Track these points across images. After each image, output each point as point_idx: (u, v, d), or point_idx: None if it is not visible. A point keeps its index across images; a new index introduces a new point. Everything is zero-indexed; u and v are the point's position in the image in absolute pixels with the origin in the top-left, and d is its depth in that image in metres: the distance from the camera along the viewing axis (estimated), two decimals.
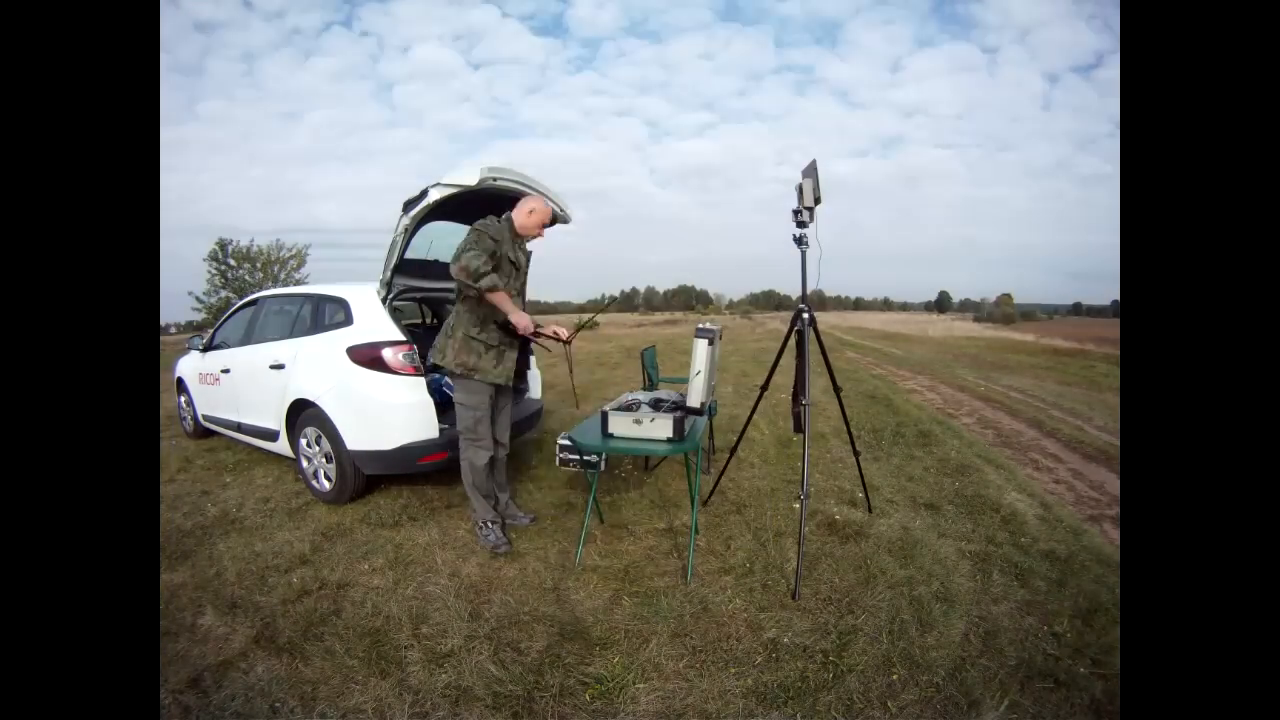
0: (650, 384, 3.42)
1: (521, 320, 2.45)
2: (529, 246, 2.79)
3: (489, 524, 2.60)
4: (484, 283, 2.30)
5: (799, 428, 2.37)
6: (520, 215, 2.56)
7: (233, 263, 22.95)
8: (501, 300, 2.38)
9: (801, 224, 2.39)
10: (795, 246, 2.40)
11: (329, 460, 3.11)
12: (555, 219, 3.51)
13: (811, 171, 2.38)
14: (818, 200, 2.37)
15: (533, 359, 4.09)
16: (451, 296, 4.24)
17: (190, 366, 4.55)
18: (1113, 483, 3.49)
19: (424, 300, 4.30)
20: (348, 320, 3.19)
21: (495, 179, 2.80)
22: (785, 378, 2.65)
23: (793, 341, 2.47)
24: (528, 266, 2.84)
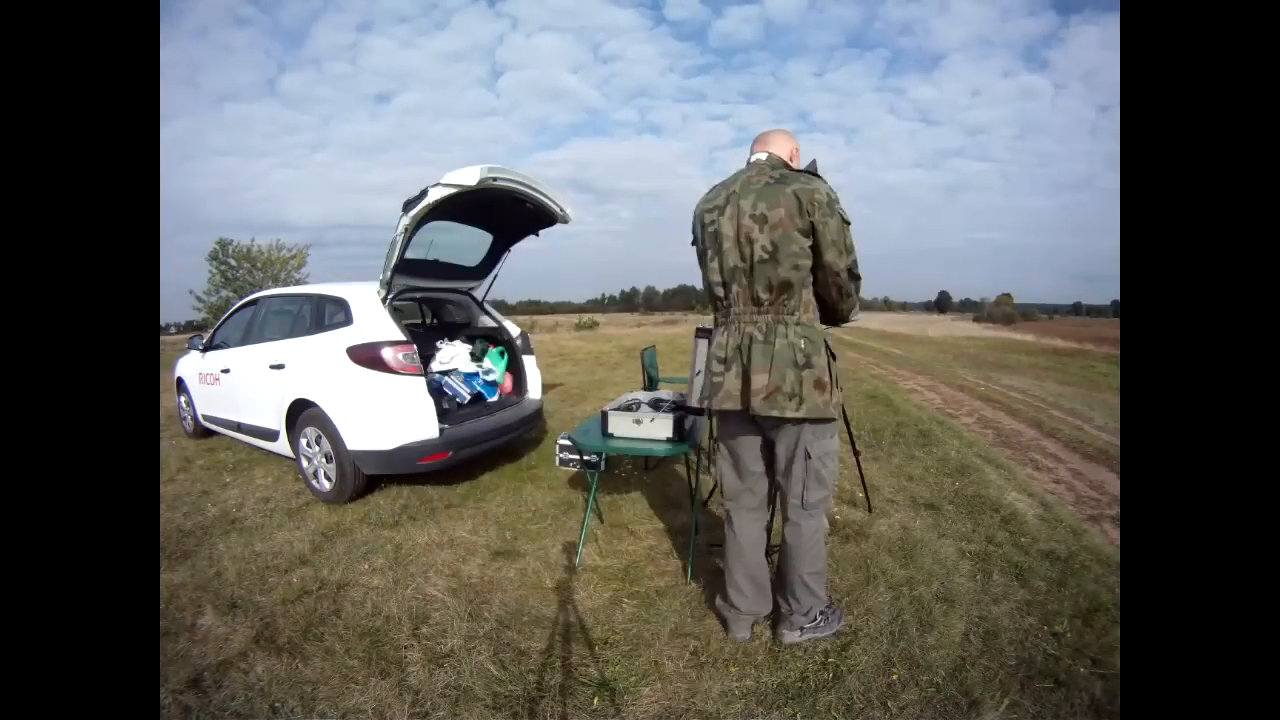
0: (650, 384, 3.42)
1: None
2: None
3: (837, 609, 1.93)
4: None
5: None
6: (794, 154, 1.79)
7: (233, 262, 22.95)
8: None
9: None
10: None
11: (329, 460, 3.11)
12: (553, 219, 3.52)
13: (811, 170, 2.38)
14: None
15: (532, 359, 4.09)
16: (452, 297, 4.26)
17: (190, 366, 4.55)
18: (1113, 483, 3.49)
19: (424, 300, 4.30)
20: (348, 320, 3.19)
21: (495, 179, 2.81)
22: None
23: None
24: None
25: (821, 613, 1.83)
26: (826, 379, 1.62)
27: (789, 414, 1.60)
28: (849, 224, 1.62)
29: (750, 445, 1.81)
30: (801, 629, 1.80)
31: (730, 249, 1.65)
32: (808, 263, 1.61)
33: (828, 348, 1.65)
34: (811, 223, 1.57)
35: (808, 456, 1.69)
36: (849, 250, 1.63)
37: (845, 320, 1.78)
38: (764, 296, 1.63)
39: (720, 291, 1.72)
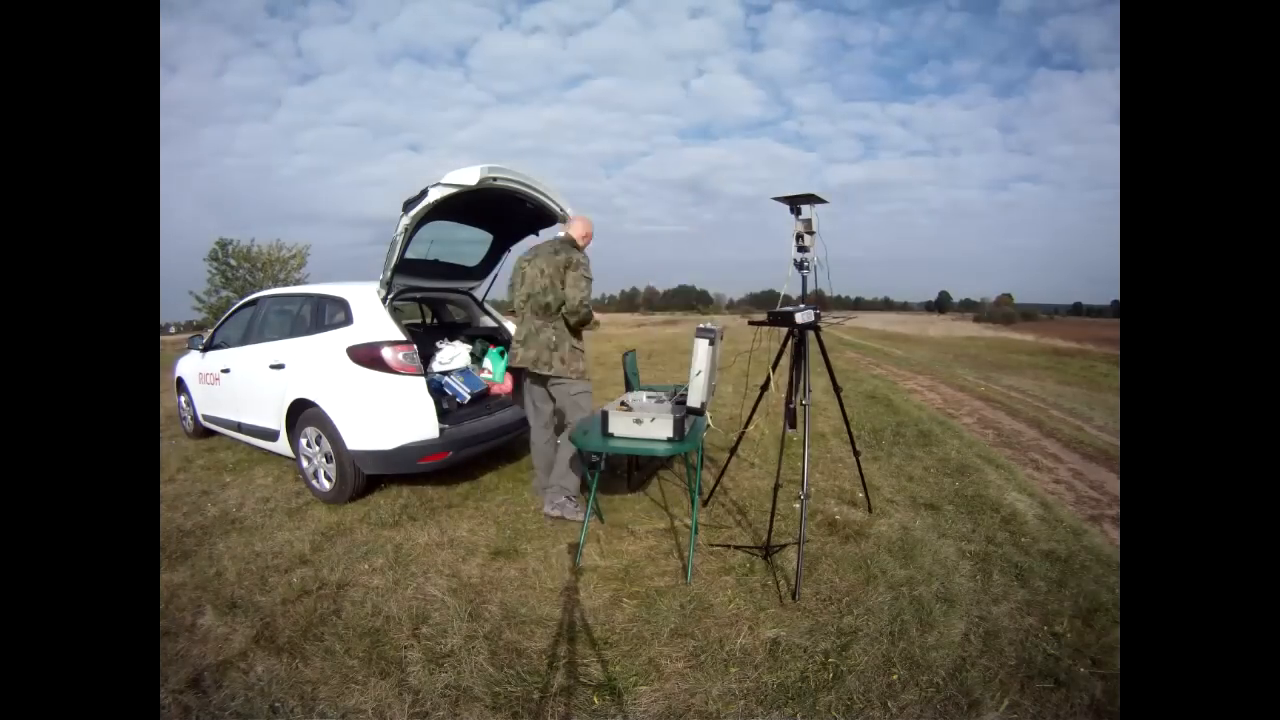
0: (629, 389, 3.41)
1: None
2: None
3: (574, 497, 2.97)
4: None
5: (793, 424, 2.38)
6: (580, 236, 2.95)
7: (233, 262, 22.93)
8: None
9: (803, 249, 2.41)
10: (797, 270, 2.44)
11: (329, 460, 3.11)
12: (553, 219, 3.52)
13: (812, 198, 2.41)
14: (811, 231, 2.41)
15: None
16: (452, 297, 4.28)
17: (190, 366, 4.55)
18: (1113, 483, 3.49)
19: (424, 300, 4.29)
20: (348, 320, 3.19)
21: (495, 179, 2.81)
22: (785, 377, 2.66)
23: (791, 347, 2.48)
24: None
25: (569, 498, 2.85)
26: (568, 356, 2.81)
27: (546, 372, 2.81)
28: (589, 279, 2.78)
29: (536, 390, 2.95)
30: (555, 504, 2.83)
31: (531, 282, 2.82)
32: (561, 296, 2.76)
33: (572, 340, 2.83)
34: (564, 278, 2.76)
35: (566, 396, 2.85)
36: (579, 290, 2.74)
37: (582, 325, 2.86)
38: (540, 309, 2.81)
39: (521, 304, 2.88)
